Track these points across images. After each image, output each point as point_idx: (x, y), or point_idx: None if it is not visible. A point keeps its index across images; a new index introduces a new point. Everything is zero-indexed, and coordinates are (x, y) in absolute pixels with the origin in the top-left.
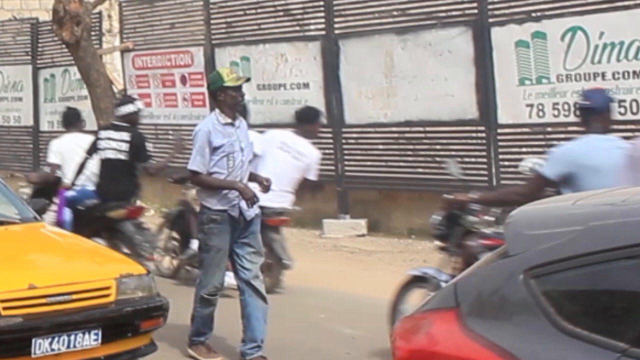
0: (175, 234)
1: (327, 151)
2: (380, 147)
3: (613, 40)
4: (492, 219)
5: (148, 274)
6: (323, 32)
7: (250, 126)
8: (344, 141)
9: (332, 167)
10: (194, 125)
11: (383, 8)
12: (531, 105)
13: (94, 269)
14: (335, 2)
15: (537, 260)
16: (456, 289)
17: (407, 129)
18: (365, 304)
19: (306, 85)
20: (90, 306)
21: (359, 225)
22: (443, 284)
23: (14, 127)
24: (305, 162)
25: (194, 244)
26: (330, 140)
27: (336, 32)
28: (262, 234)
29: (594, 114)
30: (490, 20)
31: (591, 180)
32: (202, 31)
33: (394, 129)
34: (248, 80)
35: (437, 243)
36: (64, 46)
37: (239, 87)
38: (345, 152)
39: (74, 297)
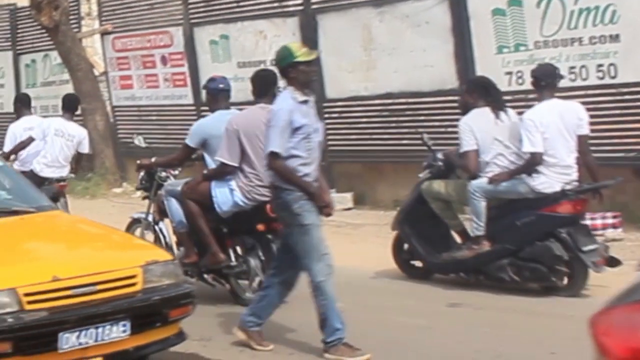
0: None
1: None
2: (363, 120)
3: (588, 5)
4: (177, 172)
5: (174, 260)
6: (301, 8)
7: (230, 104)
8: (326, 115)
9: None
10: (176, 105)
11: None
12: (510, 73)
13: (118, 257)
14: None
15: None
16: None
17: (389, 101)
18: (353, 276)
19: None
20: (116, 296)
21: (344, 199)
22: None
23: None
24: (75, 141)
25: None
26: None
27: (313, 7)
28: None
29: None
30: None
31: (218, 146)
32: (180, 11)
33: (376, 101)
34: (318, 54)
35: (142, 193)
36: (43, 31)
37: (311, 62)
38: (328, 126)
39: (100, 287)
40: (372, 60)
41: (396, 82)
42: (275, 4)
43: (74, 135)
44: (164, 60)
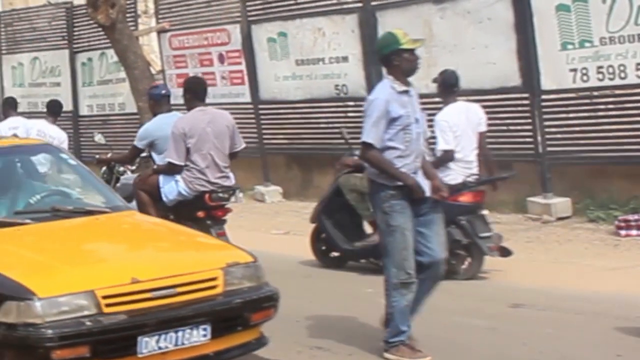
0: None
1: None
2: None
3: None
4: (134, 167)
5: (255, 261)
6: (360, 4)
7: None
8: None
9: None
10: (234, 103)
11: None
12: (575, 70)
13: (198, 259)
14: None
15: None
16: None
17: None
18: None
19: (345, 59)
20: (197, 299)
21: None
22: None
23: None
24: (55, 143)
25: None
26: None
27: (373, 3)
28: None
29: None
30: None
31: (163, 146)
32: (238, 8)
33: (437, 99)
34: (423, 42)
35: None
36: (100, 29)
37: (414, 50)
38: None
39: (180, 290)
40: (433, 57)
41: None
42: (334, 1)
43: (54, 137)
44: (221, 58)
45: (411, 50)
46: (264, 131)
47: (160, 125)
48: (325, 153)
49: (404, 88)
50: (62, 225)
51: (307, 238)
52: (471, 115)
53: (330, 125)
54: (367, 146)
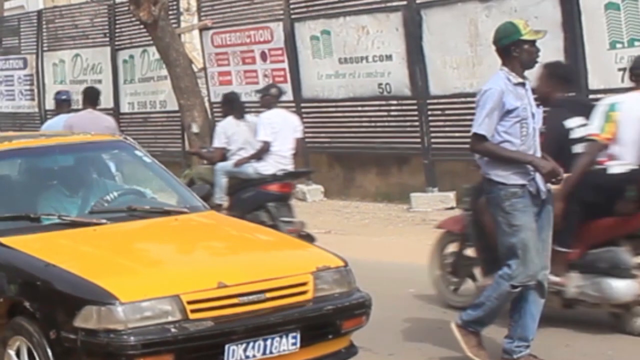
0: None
1: (412, 123)
2: (468, 117)
3: None
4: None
5: (346, 265)
6: (404, 2)
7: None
8: (429, 112)
9: (418, 140)
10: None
11: None
12: (624, 70)
13: (286, 263)
14: None
15: None
16: None
17: None
18: None
19: (389, 57)
20: (286, 305)
21: (447, 197)
22: None
23: None
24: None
25: None
26: (416, 112)
27: (418, 1)
28: None
29: None
30: None
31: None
32: (281, 6)
33: None
34: (545, 34)
35: None
36: (142, 26)
37: (535, 42)
38: (431, 123)
39: (268, 295)
40: (478, 56)
41: None
42: None
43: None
44: (263, 56)
45: (532, 42)
46: (307, 130)
47: (58, 122)
48: (368, 152)
49: (520, 80)
50: (140, 225)
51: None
52: (290, 121)
53: (373, 124)
54: (478, 138)
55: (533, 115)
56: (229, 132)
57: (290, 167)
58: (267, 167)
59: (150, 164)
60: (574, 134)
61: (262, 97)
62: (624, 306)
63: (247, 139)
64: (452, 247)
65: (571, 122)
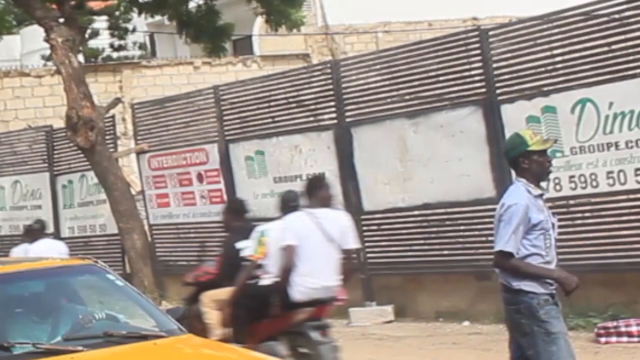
0: None
1: None
2: (402, 231)
3: (623, 110)
4: None
5: None
6: (335, 121)
7: (267, 220)
8: (364, 228)
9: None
10: (214, 222)
11: (393, 93)
12: (547, 180)
13: None
14: (345, 91)
15: None
16: None
17: (427, 211)
18: None
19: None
20: None
21: (385, 311)
22: None
23: None
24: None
25: None
26: None
27: (348, 120)
28: None
29: None
30: (500, 98)
31: None
32: (215, 128)
33: (414, 212)
34: (555, 142)
35: None
36: (79, 152)
37: (545, 152)
38: (367, 239)
39: None
40: (408, 171)
41: (433, 192)
42: (311, 118)
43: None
44: (200, 178)
45: (541, 152)
46: None
47: None
48: None
49: (539, 192)
50: (119, 351)
51: None
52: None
53: None
54: (504, 255)
55: (553, 225)
56: None
57: None
58: None
59: (122, 288)
60: (243, 253)
61: None
62: None
63: None
64: None
65: (241, 244)
